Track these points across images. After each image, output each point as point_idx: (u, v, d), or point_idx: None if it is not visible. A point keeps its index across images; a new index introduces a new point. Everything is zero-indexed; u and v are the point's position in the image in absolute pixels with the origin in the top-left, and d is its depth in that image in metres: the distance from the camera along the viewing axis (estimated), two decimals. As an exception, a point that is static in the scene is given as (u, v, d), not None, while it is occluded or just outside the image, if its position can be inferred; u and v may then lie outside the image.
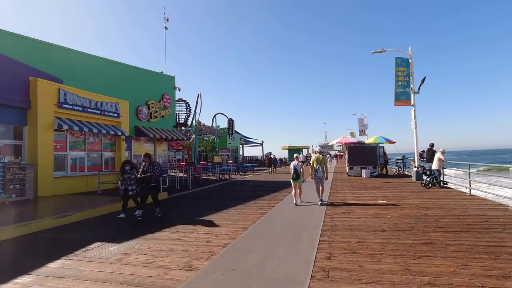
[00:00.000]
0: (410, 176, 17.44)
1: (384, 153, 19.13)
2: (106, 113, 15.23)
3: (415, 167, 15.68)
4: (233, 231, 6.38)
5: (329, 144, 21.55)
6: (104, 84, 16.38)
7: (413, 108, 15.23)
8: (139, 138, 19.16)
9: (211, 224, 7.17)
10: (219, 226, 6.94)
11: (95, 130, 14.21)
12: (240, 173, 25.51)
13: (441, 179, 12.07)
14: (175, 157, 48.44)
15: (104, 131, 14.74)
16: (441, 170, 12.12)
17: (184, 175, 18.43)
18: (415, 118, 15.14)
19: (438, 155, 12.02)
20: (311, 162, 9.97)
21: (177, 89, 22.39)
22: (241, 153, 53.97)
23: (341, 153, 70.78)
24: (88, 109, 14.15)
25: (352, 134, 45.81)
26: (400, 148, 19.79)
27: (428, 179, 12.00)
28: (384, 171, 19.13)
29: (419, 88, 15.19)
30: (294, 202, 9.64)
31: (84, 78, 15.19)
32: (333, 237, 5.67)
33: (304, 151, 58.71)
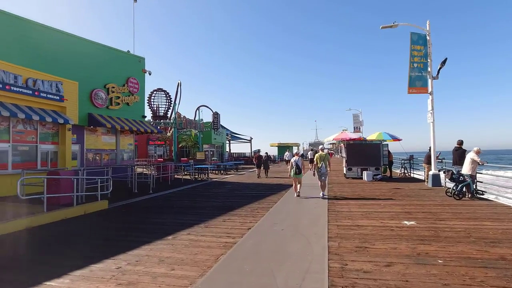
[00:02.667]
0: (422, 181, 14.57)
1: (389, 152, 16.24)
2: (42, 94, 11.78)
3: (428, 169, 12.81)
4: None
5: (325, 140, 18.21)
6: (42, 58, 12.90)
7: (430, 97, 12.31)
8: (96, 128, 15.74)
9: (118, 278, 3.99)
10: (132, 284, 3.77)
11: (22, 116, 10.77)
12: (222, 171, 22.31)
13: (475, 187, 9.16)
14: (155, 153, 45.12)
15: (37, 117, 11.30)
16: (475, 175, 9.22)
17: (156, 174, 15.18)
18: (432, 109, 12.22)
19: (471, 155, 9.10)
20: (315, 159, 10.41)
21: (147, 72, 18.99)
22: (227, 150, 50.73)
23: (332, 151, 68.19)
24: (11, 87, 10.68)
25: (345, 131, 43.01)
26: (405, 147, 17.00)
27: (458, 188, 9.08)
28: (388, 173, 16.25)
29: (438, 72, 12.26)
30: (295, 195, 10.17)
31: (10, 47, 11.70)
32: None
33: (294, 148, 55.86)
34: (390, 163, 16.18)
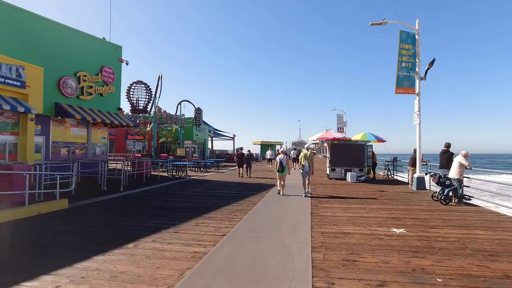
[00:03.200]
0: (406, 183, 14.34)
1: (373, 153, 15.95)
2: (0, 79, 10.55)
3: (413, 172, 12.55)
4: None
5: (309, 139, 17.68)
6: (2, 39, 11.64)
7: (417, 98, 12.01)
8: (64, 119, 14.52)
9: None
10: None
11: (-28, 101, 9.56)
12: (202, 169, 21.45)
13: (461, 192, 8.85)
14: (134, 148, 43.48)
15: (-9, 104, 10.09)
16: (462, 179, 8.91)
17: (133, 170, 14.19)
18: (419, 110, 11.93)
19: (459, 159, 8.78)
20: (299, 157, 10.80)
21: (125, 62, 17.83)
22: (209, 147, 49.72)
23: (314, 151, 68.34)
24: (-40, 69, 9.44)
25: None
26: (389, 149, 16.80)
27: (445, 192, 8.74)
28: (371, 175, 15.95)
29: (426, 73, 11.97)
30: (278, 192, 10.43)
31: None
32: None
33: (278, 147, 55.52)
34: (374, 164, 15.89)
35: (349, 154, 15.68)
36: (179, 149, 33.43)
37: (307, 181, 10.14)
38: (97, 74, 15.87)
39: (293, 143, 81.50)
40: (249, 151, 18.88)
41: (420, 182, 11.75)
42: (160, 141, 37.53)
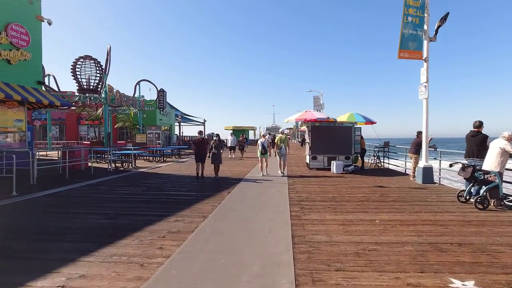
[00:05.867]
0: (402, 173, 11.81)
1: (362, 137, 13.25)
2: None
3: (416, 161, 9.95)
4: None
5: (286, 120, 14.68)
6: None
7: (425, 64, 9.23)
8: None
9: None
10: None
11: None
12: (158, 158, 17.87)
13: (503, 191, 6.21)
14: (88, 134, 38.52)
15: None
16: (503, 173, 6.28)
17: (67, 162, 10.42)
18: (427, 81, 9.18)
19: (500, 143, 6.11)
20: (275, 140, 11.34)
21: (46, 21, 13.58)
22: (176, 133, 45.64)
23: (289, 135, 66.21)
24: None
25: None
26: (378, 132, 14.19)
27: (482, 191, 6.06)
28: (359, 163, 13.31)
29: (436, 31, 9.18)
30: (261, 174, 10.92)
31: None
32: None
33: (251, 132, 52.50)
34: (363, 151, 13.23)
35: (333, 139, 12.88)
36: (138, 135, 29.38)
37: (282, 162, 11.09)
38: (0, 33, 11.65)
39: (267, 129, 78.81)
40: (217, 135, 10.85)
41: (428, 173, 9.15)
42: (116, 126, 33.09)
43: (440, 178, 9.17)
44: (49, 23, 13.72)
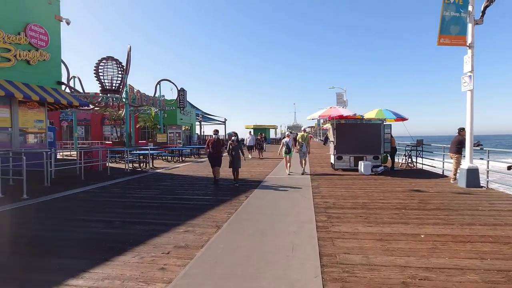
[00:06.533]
0: (439, 175, 10.63)
1: (392, 136, 12.13)
2: None
3: (458, 161, 8.81)
4: None
5: (309, 117, 13.73)
6: None
7: (469, 51, 8.08)
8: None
9: None
10: None
11: None
12: (176, 158, 17.54)
13: None
14: (112, 134, 39.27)
15: None
16: None
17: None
18: (472, 70, 8.03)
19: None
20: (297, 138, 11.74)
21: (64, 21, 13.53)
22: (197, 132, 45.69)
23: (311, 134, 64.70)
24: None
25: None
26: (409, 130, 12.97)
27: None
28: (388, 164, 12.21)
29: (483, 13, 8.00)
30: (287, 172, 11.09)
31: None
32: None
33: (272, 131, 51.74)
34: (393, 150, 12.11)
35: (361, 137, 11.86)
36: (159, 134, 29.49)
37: (303, 161, 11.31)
38: (19, 34, 11.62)
39: (288, 127, 77.71)
40: (235, 135, 9.54)
41: (473, 176, 8.01)
42: (137, 126, 33.46)
43: (488, 181, 8.00)
44: (68, 23, 13.67)
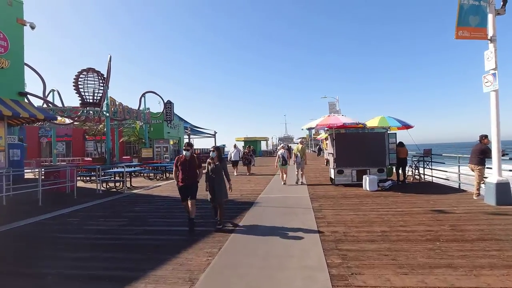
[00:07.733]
0: (456, 189, 9.35)
1: (403, 145, 10.84)
2: None
3: (480, 174, 7.56)
4: None
5: (305, 126, 12.39)
6: None
7: (491, 44, 6.96)
8: None
9: None
10: None
11: None
12: (159, 176, 15.90)
13: None
14: (95, 150, 37.25)
15: None
16: None
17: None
18: (496, 67, 6.88)
19: None
20: (294, 150, 12.09)
21: (28, 25, 12.08)
22: (186, 146, 43.88)
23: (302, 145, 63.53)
24: None
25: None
26: (414, 138, 11.75)
27: None
28: (397, 178, 10.92)
29: (505, 2, 6.93)
30: (282, 183, 11.26)
31: None
32: None
33: (263, 143, 50.44)
34: (403, 161, 10.83)
35: (363, 148, 10.59)
36: (144, 149, 27.72)
37: (300, 172, 11.49)
38: (-29, 38, 10.11)
39: (280, 139, 76.74)
40: (216, 149, 6.06)
41: (504, 191, 6.74)
42: (121, 141, 31.68)
43: (520, 198, 6.74)
44: (32, 27, 12.21)
